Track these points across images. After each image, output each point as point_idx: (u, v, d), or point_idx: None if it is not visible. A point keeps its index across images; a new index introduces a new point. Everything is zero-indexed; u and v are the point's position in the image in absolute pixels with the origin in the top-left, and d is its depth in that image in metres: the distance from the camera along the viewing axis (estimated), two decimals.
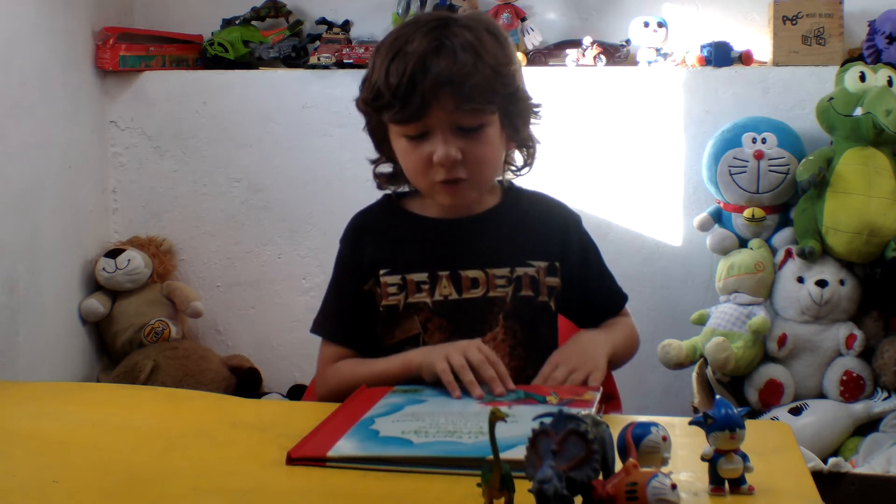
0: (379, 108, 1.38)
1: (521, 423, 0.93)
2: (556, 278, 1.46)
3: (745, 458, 0.94)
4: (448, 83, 1.32)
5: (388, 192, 1.54)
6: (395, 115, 1.36)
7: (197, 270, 2.80)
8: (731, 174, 2.37)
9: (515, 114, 1.43)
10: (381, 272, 1.45)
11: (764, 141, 2.36)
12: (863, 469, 2.05)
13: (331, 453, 1.06)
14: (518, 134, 1.46)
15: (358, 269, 1.48)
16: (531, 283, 1.45)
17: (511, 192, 1.53)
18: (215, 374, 2.59)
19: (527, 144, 1.49)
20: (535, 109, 1.46)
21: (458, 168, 1.37)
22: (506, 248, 1.46)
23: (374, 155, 1.51)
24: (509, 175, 1.53)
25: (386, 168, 1.51)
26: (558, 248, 1.48)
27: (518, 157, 1.52)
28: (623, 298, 1.56)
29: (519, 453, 0.88)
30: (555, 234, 1.49)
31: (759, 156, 2.33)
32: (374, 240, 1.49)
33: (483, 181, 1.44)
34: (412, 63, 1.33)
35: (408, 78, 1.32)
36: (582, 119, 2.58)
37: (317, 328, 1.51)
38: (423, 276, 1.44)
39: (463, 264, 1.44)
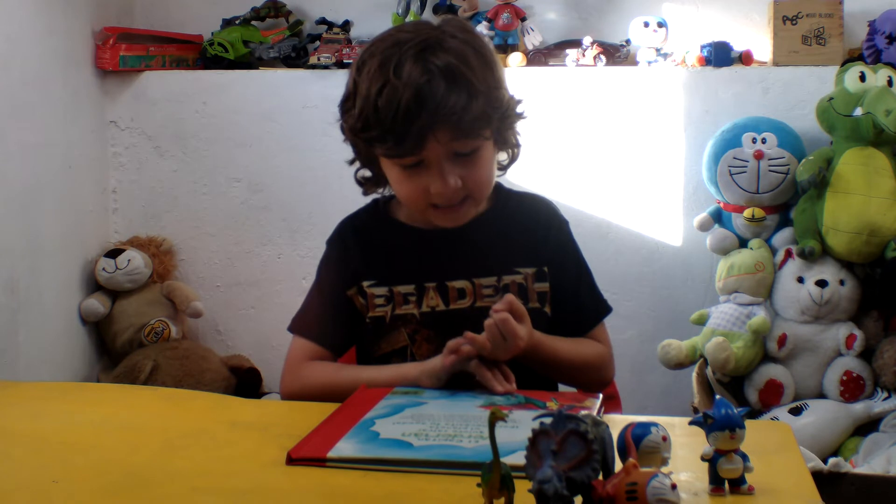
0: (369, 139, 1.36)
1: (521, 428, 0.93)
2: (545, 283, 1.45)
3: (745, 458, 0.94)
4: (444, 119, 1.30)
5: (376, 197, 1.53)
6: (389, 150, 1.34)
7: (197, 270, 2.80)
8: (731, 174, 2.37)
9: (506, 128, 1.43)
10: (368, 283, 1.45)
11: (764, 141, 2.36)
12: (863, 469, 2.05)
13: (331, 454, 1.06)
14: (507, 142, 1.46)
15: (342, 273, 1.47)
16: (519, 290, 1.43)
17: (499, 195, 1.52)
18: (215, 374, 2.59)
19: (512, 144, 1.48)
20: (520, 111, 1.44)
21: (457, 194, 1.37)
22: (493, 257, 1.45)
23: (351, 156, 1.48)
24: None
25: (367, 172, 1.49)
26: (544, 252, 1.47)
27: (502, 155, 1.50)
28: (601, 312, 1.51)
29: (518, 459, 0.88)
30: (539, 237, 1.48)
31: (759, 156, 2.33)
32: (360, 248, 1.48)
33: (481, 199, 1.43)
34: (406, 96, 1.29)
35: (403, 113, 1.29)
36: (582, 119, 2.58)
37: (294, 326, 1.50)
38: (410, 288, 1.44)
39: (450, 275, 1.43)
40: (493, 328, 1.30)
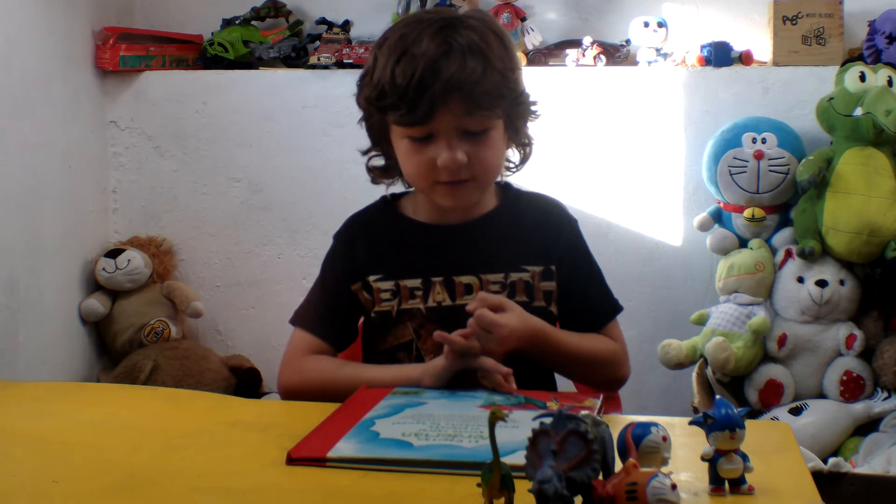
0: (383, 108, 1.38)
1: (521, 428, 0.93)
2: (552, 282, 1.45)
3: (745, 458, 0.94)
4: (457, 89, 1.32)
5: (385, 194, 1.54)
6: (401, 117, 1.36)
7: (197, 270, 2.80)
8: (731, 174, 2.37)
9: (518, 116, 1.44)
10: (374, 278, 1.45)
11: (764, 141, 2.36)
12: (863, 469, 2.05)
13: (331, 454, 1.06)
14: (518, 134, 1.46)
15: (348, 267, 1.47)
16: (525, 288, 1.44)
17: (508, 194, 1.52)
18: (215, 374, 2.59)
19: (524, 143, 1.49)
20: (534, 109, 1.46)
21: (462, 171, 1.37)
22: (500, 254, 1.45)
23: (366, 147, 1.50)
24: (505, 172, 1.52)
25: (379, 161, 1.50)
26: (553, 252, 1.47)
27: (513, 154, 1.51)
28: (613, 310, 1.51)
29: (518, 458, 0.88)
30: (550, 237, 1.48)
31: (759, 156, 2.33)
32: (367, 242, 1.49)
33: (486, 183, 1.44)
34: (421, 65, 1.32)
35: (417, 81, 1.32)
36: (582, 119, 2.58)
37: (296, 318, 1.50)
38: (416, 283, 1.43)
39: (457, 270, 1.43)
40: (474, 326, 1.30)
